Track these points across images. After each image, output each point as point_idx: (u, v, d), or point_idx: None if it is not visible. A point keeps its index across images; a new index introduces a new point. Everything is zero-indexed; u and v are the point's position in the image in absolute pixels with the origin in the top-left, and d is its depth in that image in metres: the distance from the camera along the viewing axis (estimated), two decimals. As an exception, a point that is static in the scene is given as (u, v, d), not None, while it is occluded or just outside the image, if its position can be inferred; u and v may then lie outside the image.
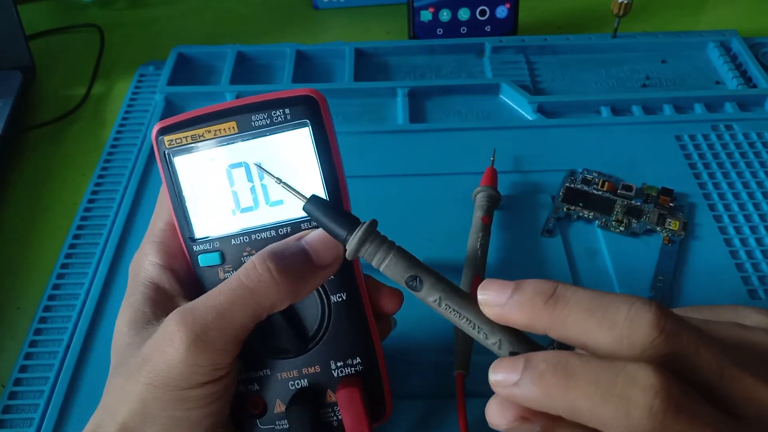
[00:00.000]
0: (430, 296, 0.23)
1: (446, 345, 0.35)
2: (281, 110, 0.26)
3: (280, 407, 0.28)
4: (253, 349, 0.26)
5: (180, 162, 0.27)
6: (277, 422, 0.28)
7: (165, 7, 0.66)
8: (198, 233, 0.27)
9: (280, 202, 0.27)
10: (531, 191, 0.45)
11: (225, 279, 0.27)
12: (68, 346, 0.37)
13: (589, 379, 0.19)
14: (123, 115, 0.52)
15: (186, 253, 0.28)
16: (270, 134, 0.27)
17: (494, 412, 0.21)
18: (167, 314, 0.26)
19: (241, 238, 0.27)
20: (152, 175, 0.47)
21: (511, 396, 0.21)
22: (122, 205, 0.45)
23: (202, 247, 0.27)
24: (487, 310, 0.22)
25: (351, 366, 0.28)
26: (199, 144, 0.27)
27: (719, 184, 0.45)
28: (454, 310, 0.23)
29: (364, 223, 0.24)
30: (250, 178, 0.27)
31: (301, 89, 0.27)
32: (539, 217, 0.43)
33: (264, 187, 0.27)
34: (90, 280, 0.41)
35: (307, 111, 0.26)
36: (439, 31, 0.58)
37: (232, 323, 0.24)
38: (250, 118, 0.26)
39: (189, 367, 0.24)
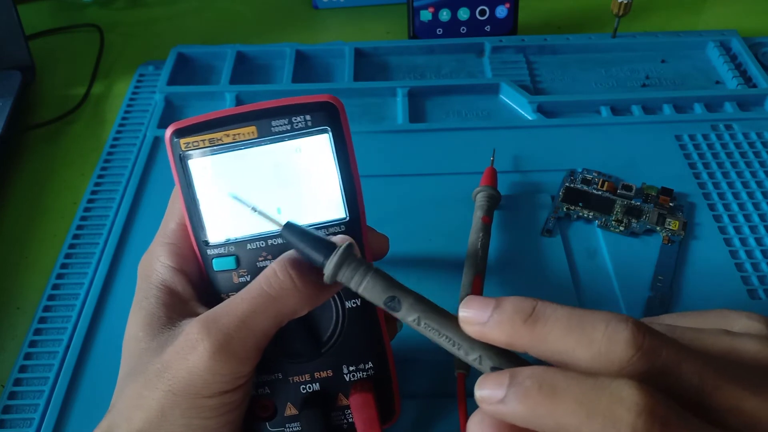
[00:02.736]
0: (409, 316, 0.23)
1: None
2: (302, 116, 0.26)
3: (290, 410, 0.28)
4: (266, 353, 0.26)
5: (195, 165, 0.27)
6: (286, 425, 0.28)
7: (165, 7, 0.66)
8: (212, 237, 0.27)
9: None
10: (531, 191, 0.45)
11: (239, 283, 0.27)
12: (68, 346, 0.37)
13: (574, 397, 0.19)
14: (123, 115, 0.52)
15: (199, 256, 0.28)
16: (289, 139, 0.26)
17: (473, 431, 0.21)
18: (182, 318, 0.26)
19: (257, 243, 0.27)
20: (152, 175, 0.47)
21: (497, 413, 0.20)
22: (122, 205, 0.45)
23: (216, 251, 0.27)
24: (468, 328, 0.22)
25: (363, 370, 0.28)
26: (216, 147, 0.26)
27: (719, 184, 0.45)
28: (433, 329, 0.23)
29: (341, 247, 0.24)
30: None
31: (321, 95, 0.27)
32: (539, 217, 0.43)
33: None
34: (90, 280, 0.41)
35: (328, 117, 0.26)
36: (439, 31, 0.58)
37: (255, 331, 0.24)
38: (270, 123, 0.26)
39: (211, 375, 0.24)
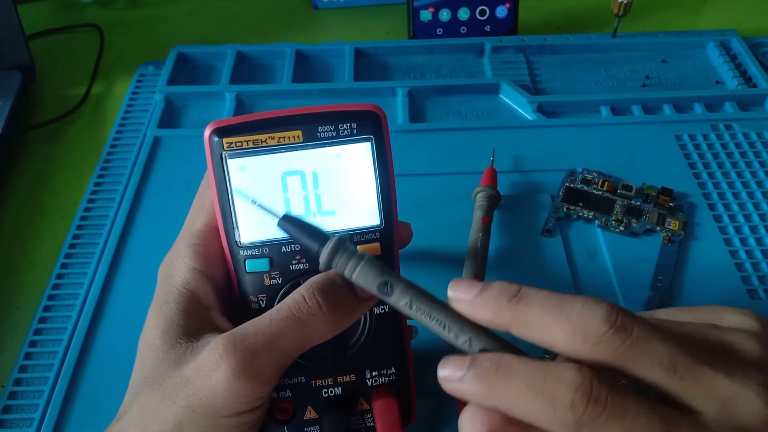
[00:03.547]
0: (401, 300, 0.24)
1: (446, 344, 0.35)
2: (348, 124, 0.27)
3: (311, 414, 0.28)
4: None
5: (234, 165, 0.27)
6: (305, 429, 0.28)
7: (165, 6, 0.66)
8: (245, 238, 0.27)
9: (331, 213, 0.27)
10: (531, 191, 0.45)
11: (270, 285, 0.27)
12: (68, 346, 0.37)
13: (523, 378, 0.21)
14: (123, 114, 0.52)
15: (229, 257, 0.27)
16: (331, 146, 0.27)
17: (464, 424, 0.22)
18: (201, 328, 0.26)
19: (292, 245, 0.27)
20: (152, 175, 0.47)
21: (456, 391, 0.22)
22: (122, 205, 0.45)
23: (250, 252, 0.27)
24: (455, 306, 0.23)
25: (386, 375, 0.29)
26: (259, 149, 0.26)
27: (719, 184, 0.45)
28: (424, 312, 0.24)
29: (335, 236, 0.25)
30: (304, 187, 0.27)
31: (365, 104, 0.27)
32: (539, 217, 0.43)
33: (318, 196, 0.27)
34: (90, 280, 0.41)
35: (372, 126, 0.27)
36: (439, 31, 0.58)
37: (281, 352, 0.24)
38: (317, 128, 0.26)
39: (232, 395, 0.23)
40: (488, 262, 0.39)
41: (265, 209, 0.26)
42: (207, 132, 0.27)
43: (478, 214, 0.41)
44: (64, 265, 0.42)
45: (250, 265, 0.27)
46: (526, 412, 0.21)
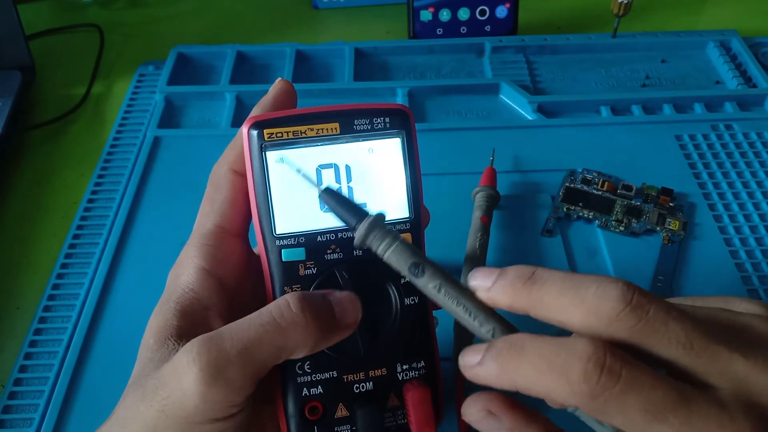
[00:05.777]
0: (431, 282, 0.24)
1: (446, 342, 0.35)
2: (382, 118, 0.28)
3: (342, 412, 0.28)
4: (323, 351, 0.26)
5: (272, 156, 0.27)
6: (336, 428, 0.28)
7: (165, 7, 0.66)
8: (281, 229, 0.28)
9: (364, 205, 0.28)
10: (531, 191, 0.45)
11: (305, 276, 0.27)
12: (68, 346, 0.37)
13: (537, 353, 0.21)
14: (123, 114, 0.52)
15: (263, 250, 0.28)
16: (365, 139, 0.28)
17: (465, 406, 0.23)
18: (195, 329, 0.25)
19: (327, 235, 0.28)
20: (152, 175, 0.47)
21: (476, 376, 0.23)
22: (122, 205, 0.45)
23: (285, 242, 0.27)
24: (477, 294, 0.24)
25: (416, 369, 0.28)
26: (297, 140, 0.27)
27: (719, 184, 0.45)
28: (452, 297, 0.24)
29: (373, 214, 0.26)
30: (338, 180, 0.28)
31: (393, 104, 0.29)
32: (539, 217, 0.43)
33: (350, 189, 0.28)
34: (90, 280, 0.41)
35: (402, 122, 0.28)
36: (439, 31, 0.58)
37: (255, 360, 0.24)
38: (353, 121, 0.28)
39: (203, 401, 0.23)
40: (489, 262, 0.39)
41: (309, 180, 0.27)
42: (246, 125, 0.28)
43: (477, 214, 0.41)
44: (64, 265, 0.42)
45: (286, 255, 0.27)
46: (542, 386, 0.21)
